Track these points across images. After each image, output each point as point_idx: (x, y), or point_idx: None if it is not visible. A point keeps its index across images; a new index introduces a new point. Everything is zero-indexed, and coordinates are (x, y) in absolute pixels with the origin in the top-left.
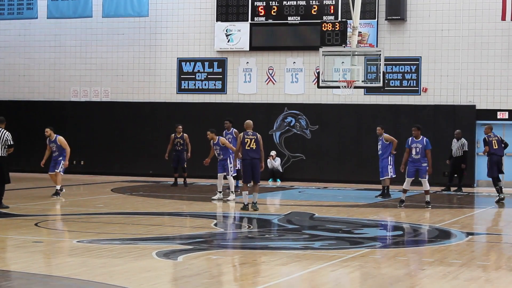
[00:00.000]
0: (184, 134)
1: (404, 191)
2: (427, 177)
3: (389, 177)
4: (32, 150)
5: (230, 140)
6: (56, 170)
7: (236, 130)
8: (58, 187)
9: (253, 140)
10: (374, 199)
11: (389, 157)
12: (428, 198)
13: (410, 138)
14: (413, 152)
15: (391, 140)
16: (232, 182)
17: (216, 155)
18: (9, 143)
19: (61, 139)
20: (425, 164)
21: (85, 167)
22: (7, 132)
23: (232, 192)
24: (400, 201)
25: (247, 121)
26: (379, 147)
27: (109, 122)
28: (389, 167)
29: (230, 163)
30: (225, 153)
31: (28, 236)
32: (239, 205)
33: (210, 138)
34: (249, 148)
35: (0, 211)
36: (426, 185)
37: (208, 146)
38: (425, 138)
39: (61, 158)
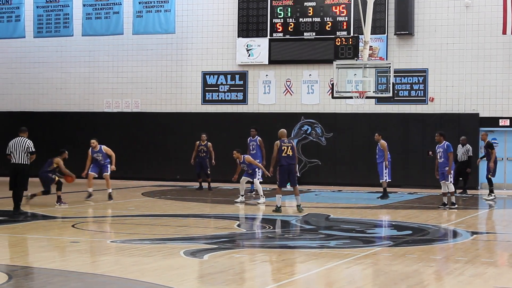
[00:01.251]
0: (208, 143)
1: (443, 194)
2: (449, 179)
3: (385, 180)
4: (70, 158)
5: (253, 147)
6: (105, 173)
7: (260, 138)
8: (110, 190)
9: (289, 147)
10: (385, 201)
11: (385, 162)
12: (453, 199)
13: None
14: (438, 157)
15: (384, 149)
16: (259, 186)
17: (245, 169)
18: (31, 150)
19: (105, 148)
20: (447, 167)
21: (117, 172)
22: (29, 140)
23: (262, 195)
24: (442, 203)
25: (281, 130)
26: (376, 151)
27: (139, 131)
28: (384, 171)
29: (259, 169)
30: (252, 167)
31: (66, 236)
32: (262, 207)
33: (236, 157)
34: (285, 155)
35: (37, 213)
36: (449, 187)
37: (231, 158)
38: (446, 143)
39: (107, 163)
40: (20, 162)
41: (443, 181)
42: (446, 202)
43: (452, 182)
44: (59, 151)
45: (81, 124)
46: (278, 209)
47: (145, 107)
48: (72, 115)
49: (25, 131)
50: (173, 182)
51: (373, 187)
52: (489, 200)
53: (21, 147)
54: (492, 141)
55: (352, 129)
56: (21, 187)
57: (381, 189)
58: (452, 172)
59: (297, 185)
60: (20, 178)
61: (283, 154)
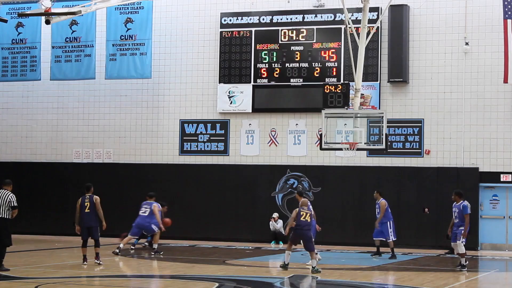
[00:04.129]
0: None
1: (460, 255)
2: (461, 240)
3: (390, 240)
4: (34, 212)
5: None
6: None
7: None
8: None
9: (308, 214)
10: (377, 262)
11: (389, 222)
12: (463, 261)
13: None
14: (453, 216)
15: (382, 210)
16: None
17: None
18: (13, 205)
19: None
20: (462, 228)
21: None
22: (11, 194)
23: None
24: (459, 264)
25: (303, 199)
26: (377, 210)
27: (112, 183)
28: (390, 230)
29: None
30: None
31: None
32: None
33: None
34: (304, 220)
35: (0, 274)
36: (460, 248)
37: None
38: (463, 203)
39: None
40: (1, 216)
41: (454, 243)
42: (464, 264)
43: (464, 243)
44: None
45: (48, 175)
46: (284, 266)
47: (118, 157)
48: (38, 166)
49: (9, 184)
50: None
51: (364, 246)
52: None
53: (2, 200)
54: (493, 197)
55: (342, 184)
56: (5, 243)
57: (373, 248)
58: (467, 234)
59: (313, 251)
60: (4, 233)
61: (301, 219)
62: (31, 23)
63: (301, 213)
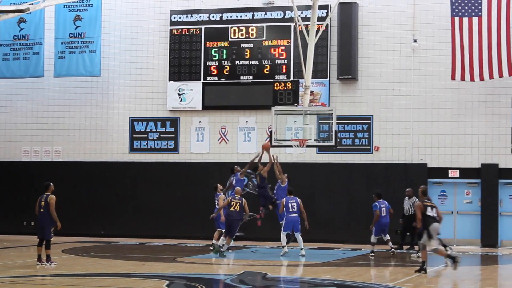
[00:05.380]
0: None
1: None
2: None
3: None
4: None
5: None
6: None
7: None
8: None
9: (238, 203)
10: (328, 257)
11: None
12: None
13: None
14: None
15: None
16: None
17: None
18: None
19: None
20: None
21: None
22: None
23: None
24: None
25: (237, 188)
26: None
27: (60, 182)
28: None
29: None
30: None
31: None
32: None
33: None
34: (233, 210)
35: None
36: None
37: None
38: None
39: None
40: None
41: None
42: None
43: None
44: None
45: None
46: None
47: (67, 156)
48: None
49: None
50: (97, 238)
51: (314, 242)
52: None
53: None
54: (441, 193)
55: (292, 180)
56: None
57: (330, 246)
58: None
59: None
60: None
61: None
62: None
63: (232, 203)
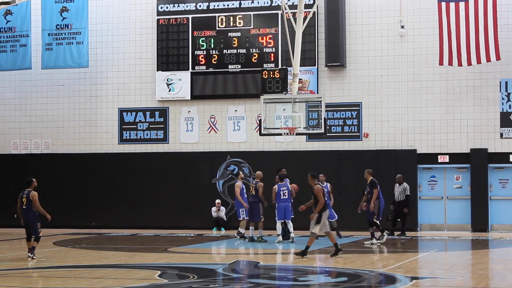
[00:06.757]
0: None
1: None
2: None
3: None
4: None
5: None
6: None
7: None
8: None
9: (253, 187)
10: (318, 245)
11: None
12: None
13: None
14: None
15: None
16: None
17: None
18: None
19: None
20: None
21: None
22: None
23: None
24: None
25: (258, 172)
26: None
27: (51, 174)
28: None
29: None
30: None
31: None
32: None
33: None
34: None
35: None
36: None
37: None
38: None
39: None
40: None
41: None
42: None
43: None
44: None
45: None
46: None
47: (56, 148)
48: None
49: None
50: (88, 230)
51: (306, 230)
52: (370, 244)
53: None
54: (431, 178)
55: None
56: None
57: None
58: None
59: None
60: None
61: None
62: None
63: (250, 187)
